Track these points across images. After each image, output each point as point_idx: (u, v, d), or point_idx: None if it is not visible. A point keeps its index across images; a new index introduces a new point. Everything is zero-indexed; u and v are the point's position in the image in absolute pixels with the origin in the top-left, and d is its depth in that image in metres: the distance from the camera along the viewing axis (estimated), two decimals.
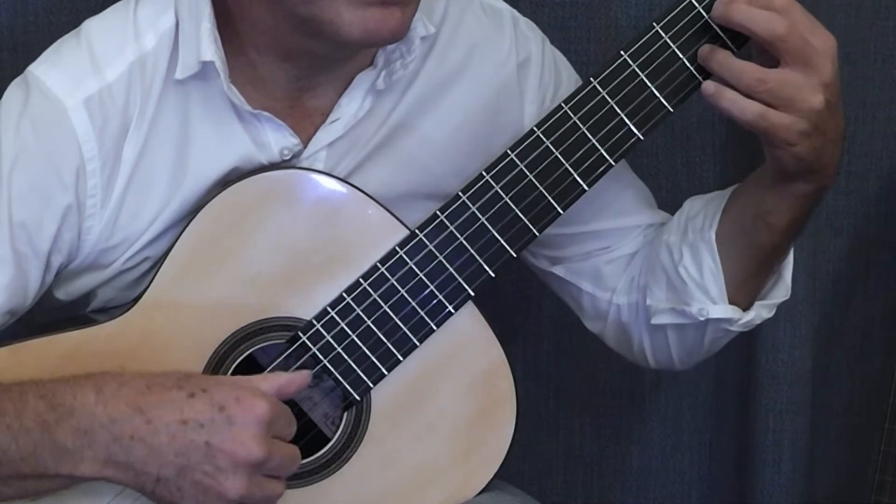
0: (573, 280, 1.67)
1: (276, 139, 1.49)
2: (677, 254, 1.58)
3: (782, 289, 1.59)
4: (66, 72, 1.46)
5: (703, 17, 1.43)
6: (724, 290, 1.55)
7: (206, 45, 1.44)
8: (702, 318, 1.57)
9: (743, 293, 1.57)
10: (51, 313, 1.57)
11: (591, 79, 1.45)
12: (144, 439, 1.33)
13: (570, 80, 1.63)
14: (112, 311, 1.52)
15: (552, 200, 1.47)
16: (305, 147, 1.51)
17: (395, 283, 1.46)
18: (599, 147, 1.46)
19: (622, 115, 1.45)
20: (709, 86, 1.42)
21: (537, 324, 2.00)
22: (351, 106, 1.51)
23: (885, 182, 2.03)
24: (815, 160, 1.44)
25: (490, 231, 1.47)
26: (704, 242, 1.56)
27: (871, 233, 2.05)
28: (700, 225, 1.57)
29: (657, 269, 1.60)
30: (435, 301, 1.47)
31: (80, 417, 1.34)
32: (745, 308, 1.57)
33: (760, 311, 1.58)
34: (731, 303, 1.56)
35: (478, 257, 1.47)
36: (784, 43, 1.38)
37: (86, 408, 1.34)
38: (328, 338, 1.46)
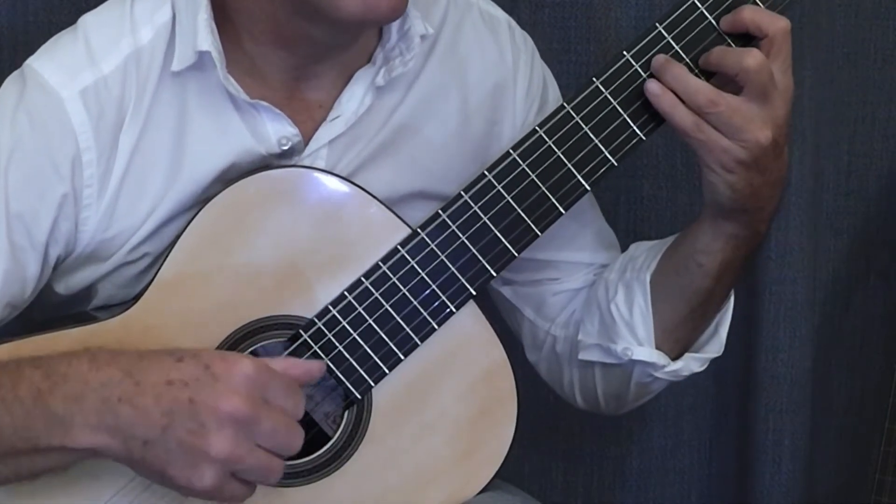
0: (517, 304, 1.67)
1: (275, 129, 1.49)
2: (612, 291, 1.58)
3: (716, 344, 1.58)
4: (62, 64, 1.46)
5: (707, 17, 1.43)
6: (651, 332, 1.55)
7: (202, 35, 1.45)
8: (625, 359, 1.57)
9: (672, 341, 1.56)
10: (51, 311, 1.57)
11: (594, 79, 1.45)
12: (131, 400, 1.32)
13: (555, 98, 1.64)
14: (113, 308, 1.52)
15: (554, 201, 1.46)
16: (306, 143, 1.51)
17: (396, 281, 1.46)
18: (602, 148, 1.46)
19: (625, 116, 1.45)
20: (654, 85, 1.43)
21: None
22: (351, 103, 1.51)
23: (885, 182, 2.03)
24: (749, 197, 1.45)
25: (492, 231, 1.47)
26: (639, 283, 1.56)
27: (871, 233, 2.05)
28: (639, 265, 1.57)
29: (593, 304, 1.61)
30: (436, 300, 1.47)
31: (73, 383, 1.33)
32: (675, 357, 1.57)
33: (690, 363, 1.57)
34: (658, 349, 1.56)
35: (480, 257, 1.47)
36: (752, 74, 1.40)
37: (79, 374, 1.34)
38: (330, 336, 1.46)
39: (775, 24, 1.42)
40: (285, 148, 1.49)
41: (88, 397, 1.33)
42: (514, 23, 1.63)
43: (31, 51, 1.50)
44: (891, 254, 2.06)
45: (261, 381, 1.33)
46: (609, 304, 1.57)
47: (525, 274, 1.64)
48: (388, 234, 1.47)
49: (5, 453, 1.36)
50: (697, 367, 1.58)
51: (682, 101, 1.42)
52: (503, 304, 1.68)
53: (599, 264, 1.65)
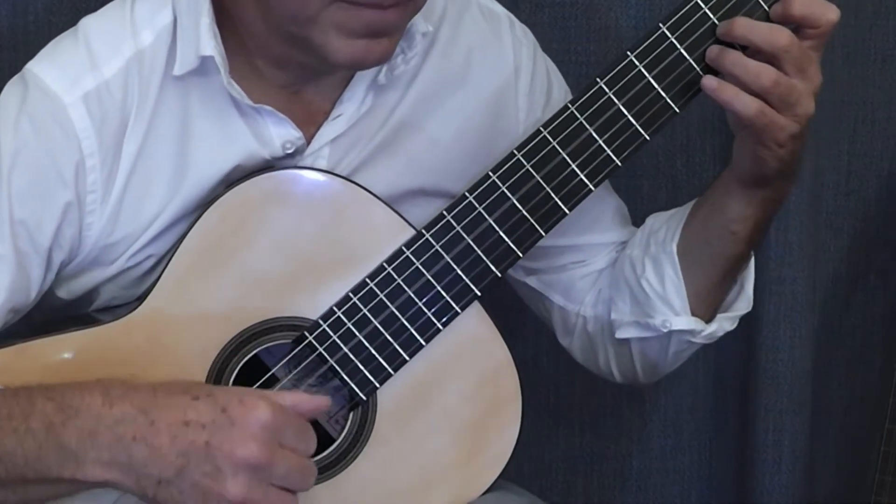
0: (545, 292, 1.68)
1: (279, 133, 1.49)
2: (640, 267, 1.59)
3: (744, 301, 1.60)
4: (63, 69, 1.45)
5: (710, 17, 1.43)
6: (686, 301, 1.57)
7: (205, 40, 1.44)
8: (665, 330, 1.58)
9: (706, 305, 1.58)
10: (52, 313, 1.56)
11: (598, 79, 1.45)
12: (146, 439, 1.32)
13: (560, 90, 1.65)
14: (115, 310, 1.51)
15: (559, 201, 1.47)
16: (308, 143, 1.50)
17: (401, 283, 1.46)
18: (606, 148, 1.46)
19: (629, 116, 1.45)
20: (710, 80, 1.43)
21: (537, 324, 2.00)
22: (353, 102, 1.51)
23: (885, 182, 2.03)
24: (791, 163, 1.48)
25: (497, 231, 1.46)
26: (666, 255, 1.57)
27: (871, 233, 2.05)
28: (662, 238, 1.59)
29: (621, 282, 1.62)
30: (441, 301, 1.46)
31: (86, 418, 1.33)
32: (708, 320, 1.59)
33: (723, 324, 1.59)
34: (693, 315, 1.58)
35: (484, 258, 1.47)
36: (787, 53, 1.40)
37: (92, 409, 1.33)
38: (334, 338, 1.46)
39: (827, 16, 1.43)
40: (289, 151, 1.49)
41: (102, 433, 1.32)
42: (513, 17, 1.63)
43: (31, 52, 1.50)
44: (891, 254, 2.06)
45: (277, 425, 1.33)
46: (639, 280, 1.59)
47: (551, 260, 1.65)
48: (393, 235, 1.47)
49: (15, 482, 1.36)
50: (730, 326, 1.60)
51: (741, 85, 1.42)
52: (529, 293, 1.69)
53: (620, 241, 1.66)
